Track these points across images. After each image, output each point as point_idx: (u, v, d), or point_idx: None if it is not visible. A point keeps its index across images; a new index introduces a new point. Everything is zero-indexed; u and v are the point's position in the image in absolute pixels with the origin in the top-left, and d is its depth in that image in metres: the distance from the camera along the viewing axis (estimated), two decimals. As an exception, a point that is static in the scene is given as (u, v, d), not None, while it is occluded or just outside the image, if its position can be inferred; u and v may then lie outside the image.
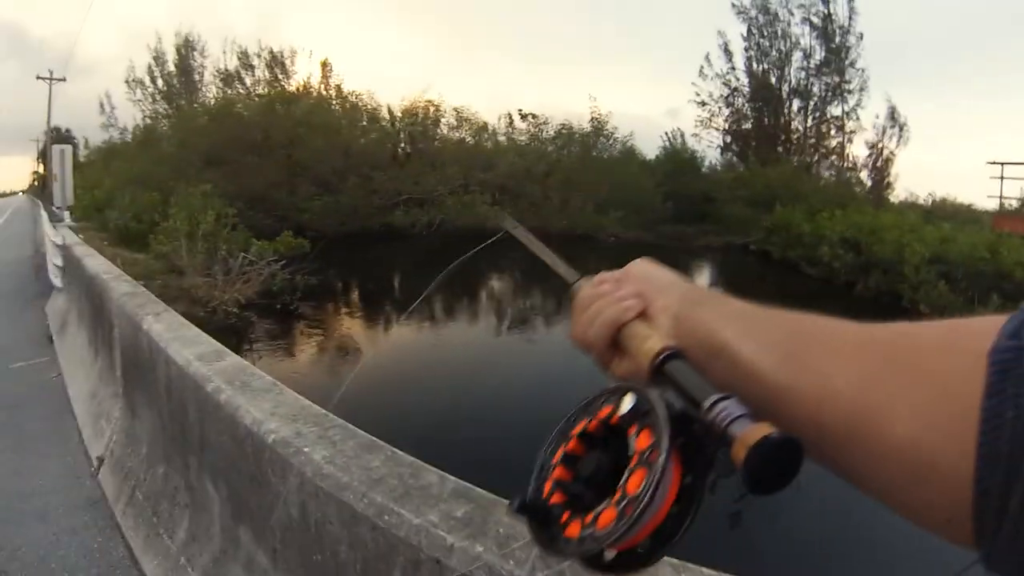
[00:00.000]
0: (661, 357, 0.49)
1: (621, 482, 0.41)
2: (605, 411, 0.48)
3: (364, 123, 25.14)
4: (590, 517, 0.42)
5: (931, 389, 0.35)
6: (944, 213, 27.94)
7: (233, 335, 8.71)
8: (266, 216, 18.14)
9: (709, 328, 0.52)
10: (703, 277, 20.04)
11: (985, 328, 0.35)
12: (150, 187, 16.27)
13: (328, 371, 8.26)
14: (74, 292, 6.20)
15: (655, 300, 0.59)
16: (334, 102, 25.49)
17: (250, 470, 1.90)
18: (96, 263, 5.37)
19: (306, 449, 1.67)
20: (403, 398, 7.02)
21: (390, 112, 25.81)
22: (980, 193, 34.00)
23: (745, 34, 32.23)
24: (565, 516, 0.45)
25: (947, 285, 14.42)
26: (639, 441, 0.43)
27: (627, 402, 0.47)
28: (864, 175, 32.38)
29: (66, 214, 11.87)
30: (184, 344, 2.66)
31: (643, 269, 0.65)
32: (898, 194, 32.59)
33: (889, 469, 0.37)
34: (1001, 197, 25.51)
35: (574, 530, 0.43)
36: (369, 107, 25.93)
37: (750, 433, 0.38)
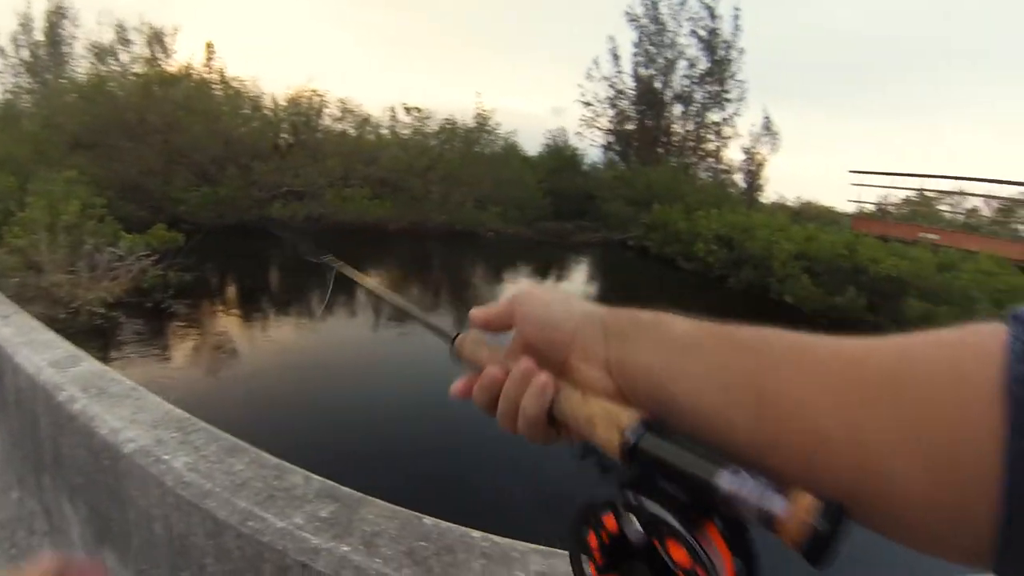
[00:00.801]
0: (631, 443, 0.42)
1: None
2: (611, 522, 0.43)
3: (246, 111, 23.94)
4: None
5: (943, 429, 0.32)
6: (809, 215, 30.27)
7: (99, 337, 8.20)
8: (138, 207, 17.04)
9: (653, 377, 0.44)
10: (583, 272, 20.55)
11: (988, 347, 0.32)
12: (6, 171, 14.94)
13: (201, 373, 7.91)
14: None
15: (570, 346, 0.51)
16: (216, 87, 24.03)
17: (109, 485, 1.80)
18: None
19: (166, 457, 1.60)
20: (275, 398, 6.88)
21: (274, 100, 24.84)
22: (841, 198, 37.75)
23: (636, 40, 33.44)
24: None
25: (810, 279, 15.68)
26: (676, 557, 0.38)
27: (633, 525, 0.41)
28: (738, 178, 34.88)
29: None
30: (35, 349, 2.49)
31: (532, 303, 0.55)
32: (768, 196, 35.70)
33: (902, 522, 0.34)
34: (860, 202, 28.97)
35: None
36: (252, 94, 24.74)
37: (800, 507, 0.34)
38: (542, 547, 1.27)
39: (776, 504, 0.35)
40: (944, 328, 0.36)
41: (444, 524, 1.37)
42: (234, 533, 1.38)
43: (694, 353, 0.43)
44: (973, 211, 31.00)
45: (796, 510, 0.34)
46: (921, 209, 31.80)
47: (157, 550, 1.66)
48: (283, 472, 1.55)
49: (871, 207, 30.08)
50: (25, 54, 30.54)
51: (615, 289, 17.69)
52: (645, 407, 0.44)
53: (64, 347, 2.56)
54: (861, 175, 28.09)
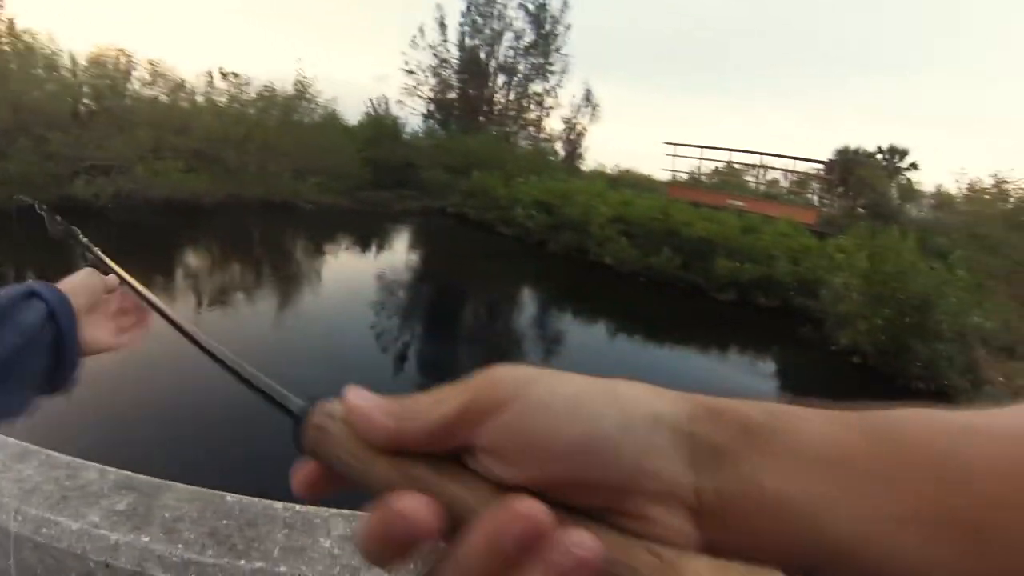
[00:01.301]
0: None
1: None
2: None
3: (40, 71, 21.36)
4: None
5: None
6: (627, 182, 32.41)
7: None
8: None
9: (789, 511, 0.25)
10: (403, 241, 20.90)
11: None
12: None
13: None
14: None
15: (632, 479, 0.26)
16: (3, 40, 21.25)
17: None
18: None
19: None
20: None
21: (72, 59, 22.24)
22: (658, 168, 41.25)
23: (464, 10, 34.06)
24: None
25: (628, 241, 17.07)
26: None
27: None
28: (559, 146, 37.05)
29: None
30: None
31: (533, 393, 0.28)
32: (588, 164, 38.21)
33: None
34: (674, 171, 34.12)
35: None
36: (47, 51, 21.90)
37: None
38: (344, 511, 1.29)
39: None
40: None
41: (247, 499, 1.36)
42: (31, 545, 1.31)
43: (853, 475, 0.26)
44: (774, 182, 35.94)
45: None
46: (729, 179, 35.88)
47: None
48: (76, 470, 1.47)
49: (684, 176, 34.75)
50: None
51: (434, 256, 18.28)
52: (770, 558, 0.25)
53: None
54: (675, 147, 32.60)
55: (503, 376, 0.29)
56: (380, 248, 19.03)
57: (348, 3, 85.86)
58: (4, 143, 18.22)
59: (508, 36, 34.49)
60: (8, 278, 12.15)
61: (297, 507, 1.32)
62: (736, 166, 36.23)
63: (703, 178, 35.40)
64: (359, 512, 1.13)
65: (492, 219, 21.86)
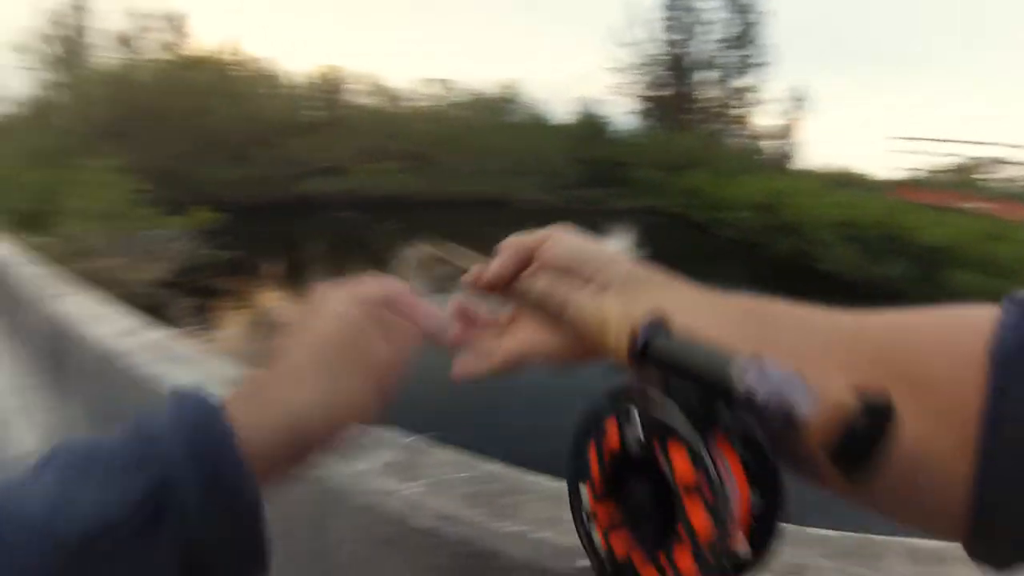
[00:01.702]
0: (642, 340, 0.37)
1: (682, 526, 0.33)
2: (613, 432, 0.38)
3: (274, 90, 24.51)
4: (668, 564, 0.34)
5: (931, 392, 0.32)
6: (848, 181, 29.44)
7: (152, 315, 8.50)
8: (176, 190, 17.42)
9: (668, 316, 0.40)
10: (619, 239, 20.33)
11: (980, 318, 0.33)
12: (49, 165, 15.37)
13: (244, 343, 8.23)
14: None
15: (596, 273, 0.49)
16: (242, 68, 24.49)
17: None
18: (-3, 247, 5.17)
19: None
20: None
21: (302, 78, 25.29)
22: (877, 165, 36.71)
23: (663, 4, 32.79)
24: (640, 566, 0.36)
25: (850, 247, 15.10)
26: (676, 467, 0.33)
27: (635, 430, 0.36)
28: (769, 144, 34.25)
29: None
30: (101, 321, 2.68)
31: (570, 235, 0.54)
32: (801, 163, 34.48)
33: (890, 479, 0.33)
34: (898, 168, 28.96)
35: None
36: (280, 73, 25.31)
37: (832, 398, 0.30)
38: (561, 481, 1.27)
39: (801, 395, 0.30)
40: (940, 306, 0.36)
41: (509, 469, 1.34)
42: (305, 480, 1.41)
43: (706, 306, 0.42)
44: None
45: (826, 402, 0.30)
46: (966, 177, 30.69)
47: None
48: None
49: (911, 174, 29.51)
50: (48, 50, 30.85)
51: (650, 257, 17.53)
52: None
53: (124, 318, 2.72)
54: (900, 141, 27.44)
55: (558, 230, 0.55)
56: (594, 246, 18.37)
57: (549, 3, 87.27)
58: (248, 152, 20.63)
59: (710, 29, 32.76)
60: (252, 260, 13.46)
61: (554, 483, 1.22)
62: (975, 161, 31.22)
63: (934, 176, 30.64)
64: (573, 484, 0.83)
65: (706, 219, 20.87)
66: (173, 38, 29.10)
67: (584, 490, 0.41)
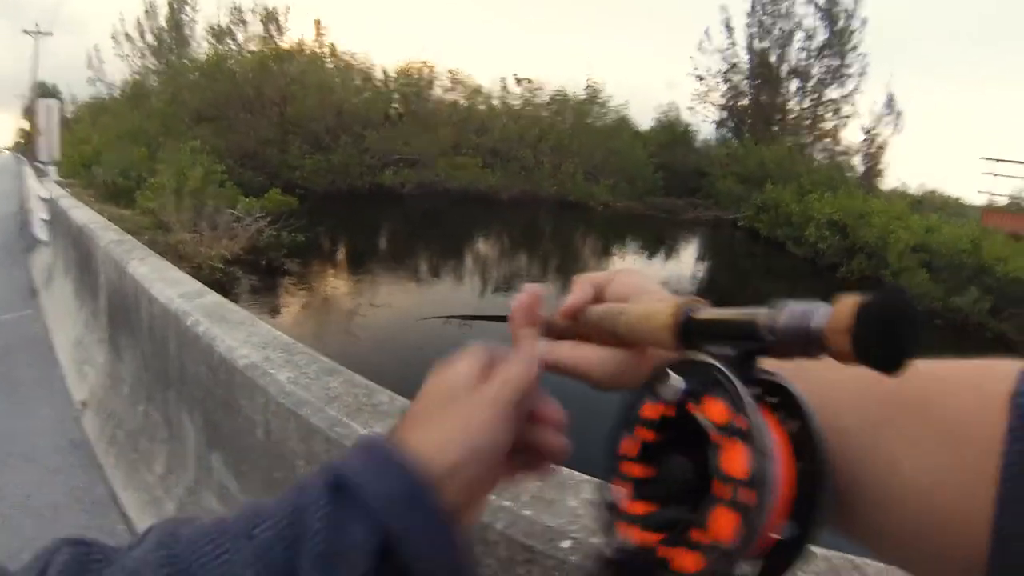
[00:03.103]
0: (684, 314, 0.40)
1: (704, 517, 0.32)
2: (650, 409, 0.39)
3: (358, 83, 25.01)
4: (703, 533, 0.32)
5: (947, 431, 0.32)
6: (933, 204, 28.18)
7: (218, 289, 8.80)
8: (256, 173, 18.21)
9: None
10: (691, 251, 20.18)
11: (1006, 371, 0.32)
12: (138, 143, 16.14)
13: (307, 323, 8.46)
14: (60, 244, 6.24)
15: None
16: (328, 61, 25.19)
17: (223, 396, 2.02)
18: (82, 214, 5.40)
19: (272, 372, 1.76)
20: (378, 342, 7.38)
21: (384, 72, 25.81)
22: (970, 187, 34.37)
23: (749, 10, 31.92)
24: (664, 552, 0.34)
25: (928, 274, 14.56)
26: (725, 460, 0.32)
27: (671, 387, 0.37)
28: (857, 160, 32.66)
29: (52, 169, 11.76)
30: (167, 284, 2.77)
31: (637, 275, 0.56)
32: (889, 182, 33.05)
33: (898, 517, 0.33)
34: (991, 193, 26.67)
35: (690, 562, 0.33)
36: (363, 66, 25.90)
37: (843, 308, 0.29)
38: (595, 479, 1.24)
39: (819, 314, 0.30)
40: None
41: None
42: (323, 437, 1.51)
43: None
44: None
45: (838, 313, 0.29)
46: None
47: (256, 454, 1.86)
48: (372, 392, 1.65)
49: (1005, 199, 27.48)
50: (150, 38, 32.32)
51: (720, 271, 17.23)
52: None
53: (191, 282, 2.83)
54: (996, 163, 25.63)
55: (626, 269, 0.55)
56: (668, 256, 18.37)
57: (637, 7, 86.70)
58: (329, 140, 21.26)
59: (799, 36, 31.58)
60: (324, 245, 13.91)
61: (554, 467, 0.94)
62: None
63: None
64: (601, 481, 0.86)
65: (783, 236, 20.38)
66: (269, 30, 30.42)
67: (615, 493, 0.40)
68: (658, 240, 19.76)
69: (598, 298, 0.54)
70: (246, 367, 1.84)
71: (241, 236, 10.86)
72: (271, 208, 11.89)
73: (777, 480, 0.31)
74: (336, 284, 11.01)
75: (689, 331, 0.39)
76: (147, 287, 2.80)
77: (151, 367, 2.87)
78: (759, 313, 0.33)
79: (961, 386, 0.33)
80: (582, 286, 0.55)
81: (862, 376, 0.31)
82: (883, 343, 0.28)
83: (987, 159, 26.49)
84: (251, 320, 2.25)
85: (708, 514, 0.32)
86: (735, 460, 0.31)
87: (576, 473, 1.31)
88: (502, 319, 0.57)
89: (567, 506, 1.19)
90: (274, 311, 8.76)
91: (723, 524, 0.31)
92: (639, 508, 0.38)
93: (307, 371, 1.78)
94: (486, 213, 19.48)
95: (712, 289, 15.01)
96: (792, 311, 0.31)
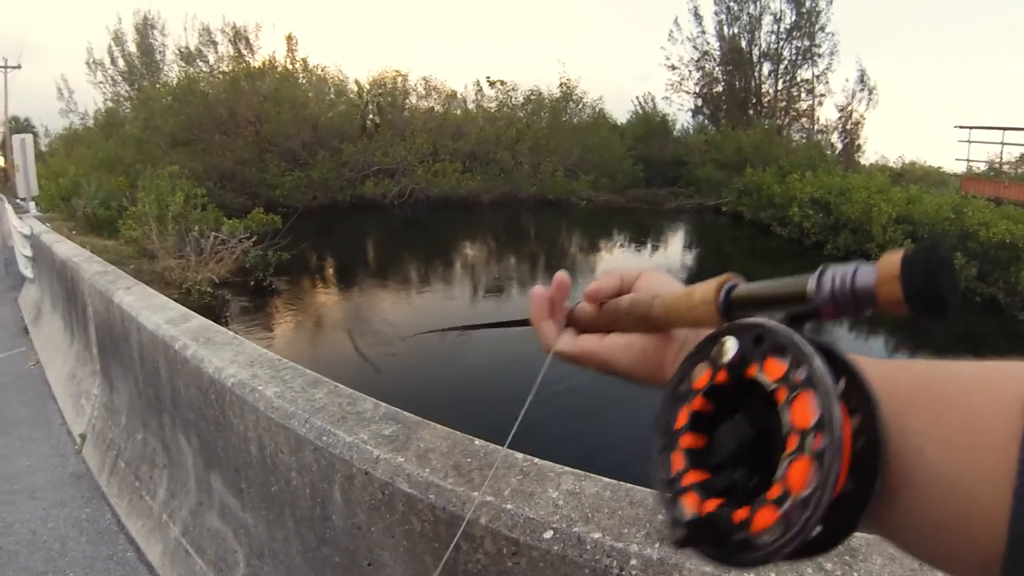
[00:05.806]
0: (726, 289, 0.42)
1: (778, 473, 0.32)
2: (703, 376, 0.40)
3: (331, 96, 25.08)
4: (775, 488, 0.32)
5: (966, 427, 0.32)
6: (913, 176, 28.19)
7: (208, 313, 8.77)
8: (236, 194, 18.25)
9: None
10: (677, 239, 20.25)
11: (1021, 372, 0.33)
12: (116, 172, 16.09)
13: (301, 341, 8.48)
14: (46, 280, 6.26)
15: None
16: (300, 76, 25.22)
17: (215, 415, 2.08)
18: (66, 248, 5.43)
19: (260, 388, 1.84)
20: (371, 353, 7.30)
21: (357, 84, 25.81)
22: (949, 156, 34.54)
23: (719, -3, 31.98)
24: (736, 514, 0.34)
25: (913, 244, 14.56)
26: (794, 413, 0.33)
27: (727, 352, 0.38)
28: (835, 138, 33.07)
29: (31, 205, 11.70)
30: (153, 311, 2.81)
31: (662, 274, 0.57)
32: (868, 157, 33.55)
33: (922, 506, 0.33)
34: (969, 160, 26.04)
35: (766, 518, 0.33)
36: (336, 79, 26.00)
37: (888, 263, 0.32)
38: (577, 470, 1.37)
39: (864, 271, 0.32)
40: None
41: (492, 446, 1.51)
42: (312, 447, 1.61)
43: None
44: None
45: (887, 264, 0.32)
46: None
47: (253, 470, 1.92)
48: (355, 400, 1.74)
49: (982, 166, 27.29)
50: (121, 64, 32.04)
51: (707, 257, 17.29)
52: None
53: (176, 307, 2.88)
54: (970, 130, 25.69)
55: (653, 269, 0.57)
56: (654, 247, 18.43)
57: (604, 3, 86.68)
58: (307, 155, 21.15)
59: (767, 20, 31.86)
60: (309, 261, 13.88)
61: (536, 460, 1.40)
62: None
63: (1007, 168, 28.21)
64: (590, 474, 1.31)
65: (767, 218, 20.44)
66: (239, 50, 30.28)
67: (680, 411, 0.41)
68: (643, 231, 19.85)
69: (623, 290, 0.56)
70: (235, 385, 1.91)
71: (227, 259, 10.86)
72: (255, 228, 11.90)
73: (842, 423, 0.32)
74: (325, 300, 11.03)
75: (729, 305, 0.42)
76: (135, 315, 2.84)
77: (144, 394, 2.92)
78: (802, 278, 0.36)
79: (977, 385, 0.34)
80: (610, 275, 0.57)
81: (883, 365, 0.37)
82: (931, 288, 0.30)
83: (962, 127, 26.46)
84: (237, 340, 2.31)
85: (781, 470, 0.32)
86: (803, 410, 0.32)
87: (556, 465, 1.40)
88: (493, 326, 0.62)
89: (548, 497, 1.26)
90: (266, 331, 8.77)
91: (797, 474, 0.31)
92: (697, 477, 0.38)
93: (292, 385, 1.86)
94: (468, 218, 19.51)
95: (702, 276, 14.95)
96: (836, 271, 0.34)
